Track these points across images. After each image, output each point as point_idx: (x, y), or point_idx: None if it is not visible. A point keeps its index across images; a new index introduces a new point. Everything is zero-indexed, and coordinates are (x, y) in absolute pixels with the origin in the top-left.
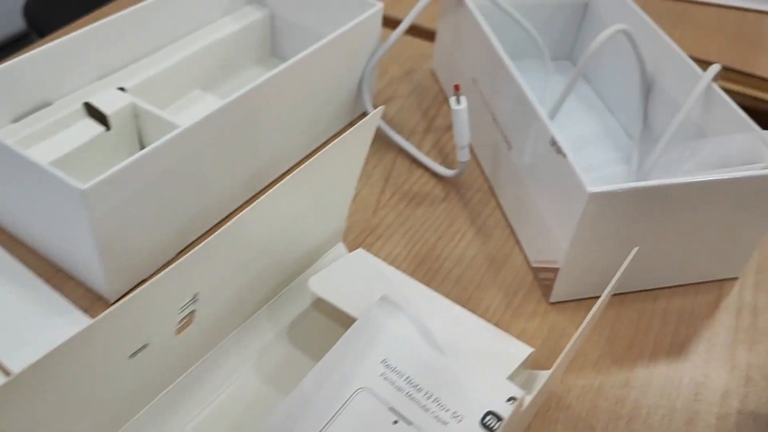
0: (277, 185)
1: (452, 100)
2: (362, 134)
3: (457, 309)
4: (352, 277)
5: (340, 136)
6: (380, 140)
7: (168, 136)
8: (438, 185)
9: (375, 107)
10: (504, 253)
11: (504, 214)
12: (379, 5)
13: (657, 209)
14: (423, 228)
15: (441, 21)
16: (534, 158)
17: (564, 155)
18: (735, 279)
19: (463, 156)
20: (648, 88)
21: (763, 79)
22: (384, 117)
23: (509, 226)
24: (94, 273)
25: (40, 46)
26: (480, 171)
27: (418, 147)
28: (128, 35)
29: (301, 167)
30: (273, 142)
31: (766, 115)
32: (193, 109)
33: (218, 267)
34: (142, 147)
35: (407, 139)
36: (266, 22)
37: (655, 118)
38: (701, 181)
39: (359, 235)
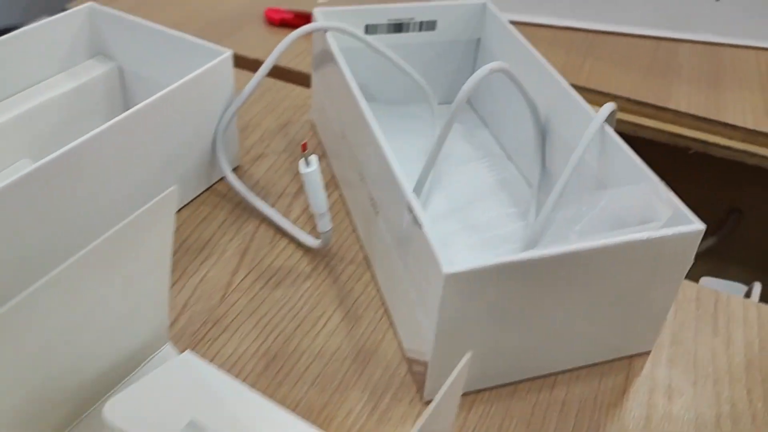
0: (44, 279)
1: (301, 162)
2: (157, 219)
3: (299, 427)
4: (165, 396)
5: (125, 222)
6: (241, 208)
7: None
8: (305, 258)
9: (241, 167)
10: (375, 341)
11: (379, 290)
12: (229, 52)
13: (536, 283)
14: (280, 314)
15: (313, 66)
16: (397, 228)
17: (420, 226)
18: (647, 353)
19: (324, 225)
20: (543, 132)
21: (677, 112)
22: (250, 179)
23: (384, 304)
24: None
25: None
26: (356, 238)
27: (286, 213)
28: None
29: (72, 261)
30: (100, 220)
31: (683, 151)
32: None
33: None
34: None
35: (275, 204)
36: (113, 76)
37: (553, 164)
38: (582, 250)
39: (201, 328)
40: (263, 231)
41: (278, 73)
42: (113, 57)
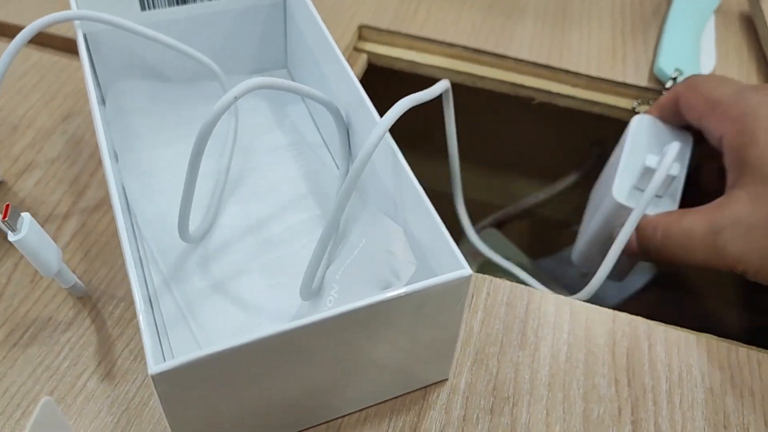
0: None
1: (7, 230)
2: None
3: None
4: None
5: None
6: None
7: None
8: (69, 300)
9: (5, 183)
10: (142, 399)
11: None
12: None
13: (277, 356)
14: (33, 377)
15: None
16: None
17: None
18: (444, 381)
19: (66, 282)
20: (347, 130)
21: (518, 60)
22: (14, 199)
23: None
24: None
25: None
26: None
27: (55, 240)
28: None
29: None
30: None
31: (525, 102)
32: None
33: None
34: None
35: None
36: None
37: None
38: (309, 323)
39: None
40: (22, 269)
41: (59, 43)
42: None
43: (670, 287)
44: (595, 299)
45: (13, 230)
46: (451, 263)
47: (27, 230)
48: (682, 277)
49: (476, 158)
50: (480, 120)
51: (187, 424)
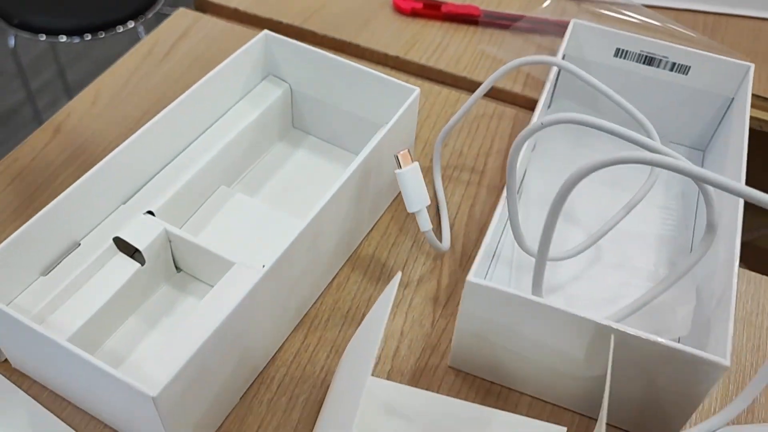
0: None
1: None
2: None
3: None
4: None
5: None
6: None
7: (223, 318)
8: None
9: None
10: None
11: None
12: (416, 90)
13: None
14: None
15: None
16: None
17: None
18: None
19: (422, 226)
20: None
21: None
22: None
23: None
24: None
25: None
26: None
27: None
28: (149, 150)
29: None
30: (331, 247)
31: None
32: (224, 213)
33: None
34: (178, 269)
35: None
36: (286, 97)
37: None
38: None
39: (421, 355)
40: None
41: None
42: (284, 78)
43: None
44: None
45: (399, 166)
46: None
47: (408, 170)
48: None
49: None
50: None
51: None
